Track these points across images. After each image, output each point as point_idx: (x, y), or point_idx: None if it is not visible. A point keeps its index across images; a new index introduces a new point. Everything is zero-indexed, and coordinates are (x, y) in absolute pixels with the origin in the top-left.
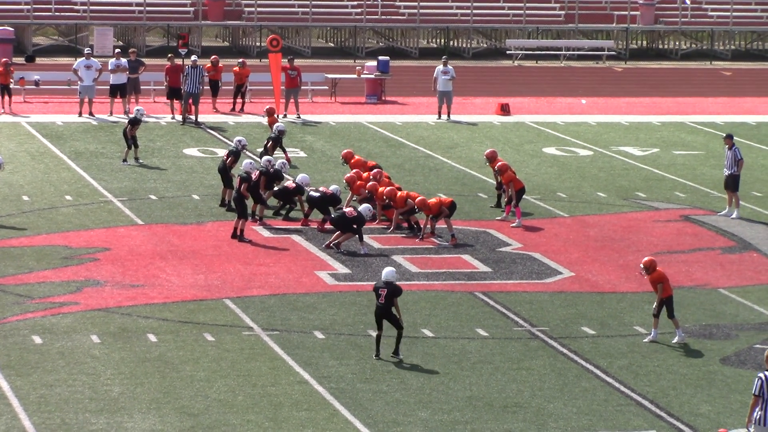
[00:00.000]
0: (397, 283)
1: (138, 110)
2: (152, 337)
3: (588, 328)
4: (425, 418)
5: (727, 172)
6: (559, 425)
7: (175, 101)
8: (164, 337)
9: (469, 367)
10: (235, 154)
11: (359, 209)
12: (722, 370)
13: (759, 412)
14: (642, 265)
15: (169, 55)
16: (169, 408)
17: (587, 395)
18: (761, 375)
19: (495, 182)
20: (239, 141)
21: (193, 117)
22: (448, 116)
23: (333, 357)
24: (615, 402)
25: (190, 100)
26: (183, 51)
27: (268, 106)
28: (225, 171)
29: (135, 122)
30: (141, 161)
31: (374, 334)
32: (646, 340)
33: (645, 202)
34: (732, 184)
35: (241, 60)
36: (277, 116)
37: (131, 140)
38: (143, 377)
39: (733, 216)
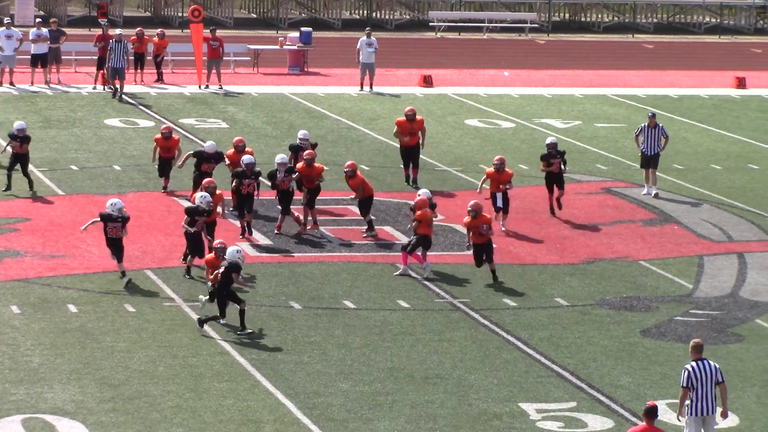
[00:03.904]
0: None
1: None
2: (72, 308)
3: (509, 299)
4: (346, 390)
5: (650, 152)
6: (480, 396)
7: (101, 72)
8: (85, 308)
9: (391, 339)
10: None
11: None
12: (642, 342)
13: (689, 403)
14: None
15: (105, 23)
16: (89, 379)
17: (508, 367)
18: (687, 367)
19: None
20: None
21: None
22: (371, 88)
23: (254, 328)
24: (536, 373)
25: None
26: (103, 21)
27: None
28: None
29: None
30: None
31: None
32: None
33: (567, 175)
34: (656, 161)
35: (160, 30)
36: (200, 87)
37: None
38: (63, 348)
39: (654, 193)
